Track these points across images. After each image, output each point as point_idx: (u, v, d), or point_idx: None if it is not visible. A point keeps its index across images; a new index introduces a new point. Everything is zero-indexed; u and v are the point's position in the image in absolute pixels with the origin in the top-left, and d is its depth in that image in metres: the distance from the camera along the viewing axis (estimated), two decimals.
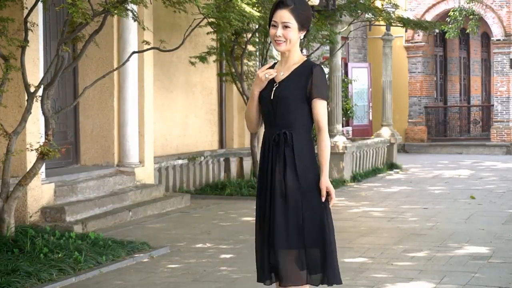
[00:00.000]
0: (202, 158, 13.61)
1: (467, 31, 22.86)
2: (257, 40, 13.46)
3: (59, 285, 6.83)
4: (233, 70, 13.40)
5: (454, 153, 23.10)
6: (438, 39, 25.40)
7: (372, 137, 18.57)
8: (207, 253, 8.23)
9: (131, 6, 8.83)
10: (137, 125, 11.44)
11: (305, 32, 4.35)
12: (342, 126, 16.90)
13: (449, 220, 10.38)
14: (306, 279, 4.28)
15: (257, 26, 12.43)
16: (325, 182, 4.26)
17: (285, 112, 4.31)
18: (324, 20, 13.99)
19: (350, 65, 22.00)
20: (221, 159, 14.18)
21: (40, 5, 8.63)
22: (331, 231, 4.31)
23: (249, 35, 12.88)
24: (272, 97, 4.34)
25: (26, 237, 7.85)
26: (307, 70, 4.32)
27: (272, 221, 4.27)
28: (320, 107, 4.30)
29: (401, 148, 23.08)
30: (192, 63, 12.68)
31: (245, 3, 10.81)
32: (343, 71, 18.45)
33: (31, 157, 8.72)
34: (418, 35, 23.81)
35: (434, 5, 23.82)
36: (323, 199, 4.27)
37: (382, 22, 16.91)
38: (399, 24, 16.34)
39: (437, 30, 21.89)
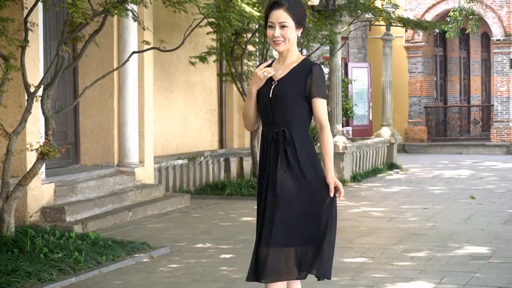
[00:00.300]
0: (202, 158, 13.61)
1: (467, 31, 22.86)
2: (257, 40, 13.45)
3: (59, 285, 6.82)
4: (233, 70, 13.40)
5: (454, 153, 23.09)
6: (438, 39, 25.39)
7: (372, 137, 18.56)
8: (207, 253, 8.23)
9: (131, 6, 8.82)
10: (137, 125, 11.44)
11: (301, 29, 4.36)
12: (342, 126, 16.90)
13: (449, 220, 10.37)
14: (297, 275, 4.28)
15: (257, 26, 12.42)
16: (333, 177, 4.30)
17: (283, 110, 4.32)
18: (324, 20, 13.97)
19: (350, 65, 21.99)
20: (221, 159, 14.18)
21: (40, 5, 8.62)
22: (333, 227, 4.33)
23: (249, 35, 12.88)
24: (270, 95, 4.34)
25: (26, 237, 7.84)
26: (306, 69, 4.32)
27: (271, 218, 4.27)
28: (320, 106, 4.32)
29: (401, 148, 23.06)
30: (192, 63, 12.68)
31: (245, 3, 10.82)
32: (343, 71, 18.45)
33: (31, 157, 8.71)
34: (418, 35, 23.80)
35: (434, 5, 23.80)
36: (332, 194, 4.29)
37: (382, 22, 16.90)
38: (399, 24, 16.33)
39: (437, 30, 21.89)
